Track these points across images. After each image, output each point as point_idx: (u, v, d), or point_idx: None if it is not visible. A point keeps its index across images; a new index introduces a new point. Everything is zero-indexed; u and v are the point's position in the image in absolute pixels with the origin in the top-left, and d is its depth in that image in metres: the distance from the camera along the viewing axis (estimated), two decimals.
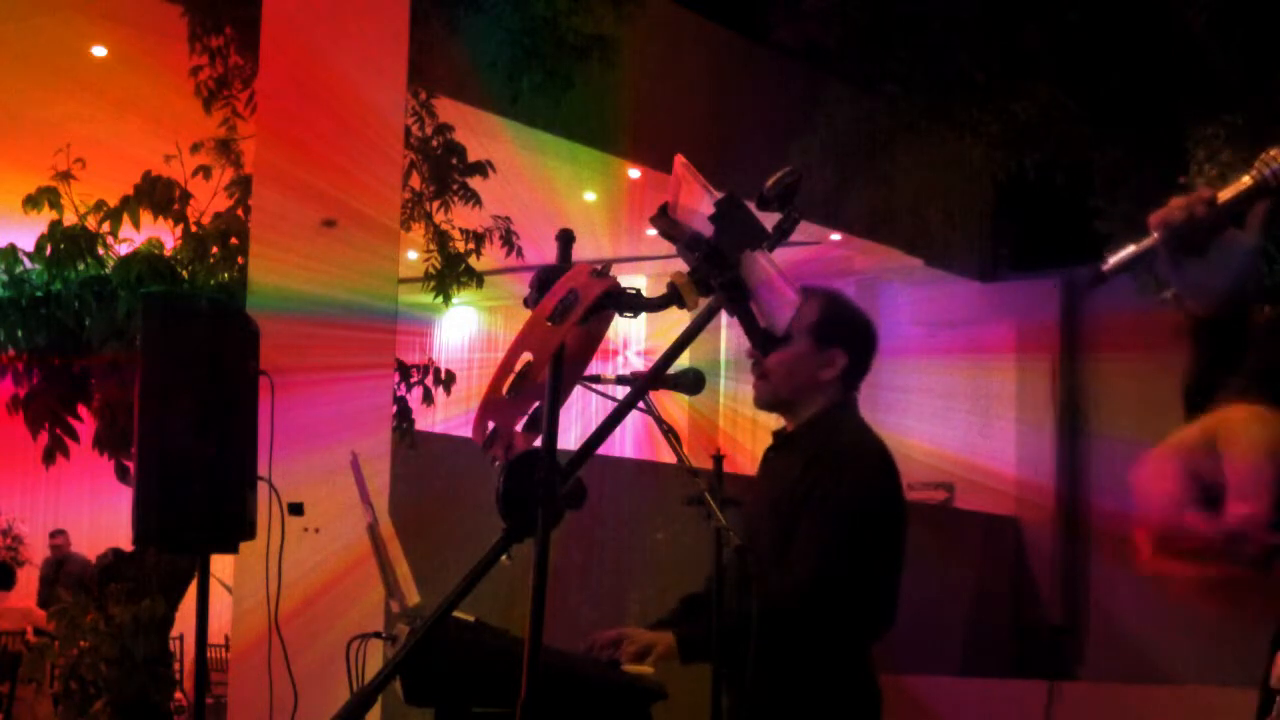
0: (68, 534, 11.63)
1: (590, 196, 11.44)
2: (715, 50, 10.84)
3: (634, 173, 10.57)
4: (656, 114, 9.72)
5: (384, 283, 5.18)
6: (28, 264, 5.77)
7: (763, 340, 1.65)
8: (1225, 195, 1.58)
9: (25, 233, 5.86)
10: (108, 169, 5.99)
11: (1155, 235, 1.60)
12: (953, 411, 13.06)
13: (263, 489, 3.67)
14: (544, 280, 1.62)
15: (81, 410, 5.74)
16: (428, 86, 6.71)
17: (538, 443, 1.63)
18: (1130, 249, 1.61)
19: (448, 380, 6.57)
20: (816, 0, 9.68)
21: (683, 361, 1.91)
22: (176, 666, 7.19)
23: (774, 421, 3.22)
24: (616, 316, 1.68)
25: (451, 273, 6.78)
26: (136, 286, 5.49)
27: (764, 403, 3.16)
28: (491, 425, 1.63)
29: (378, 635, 3.20)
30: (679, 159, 1.69)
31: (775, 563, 2.96)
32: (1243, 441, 0.83)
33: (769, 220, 1.67)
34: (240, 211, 5.92)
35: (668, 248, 1.71)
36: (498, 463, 1.63)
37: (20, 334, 5.67)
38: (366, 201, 5.06)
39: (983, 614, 12.43)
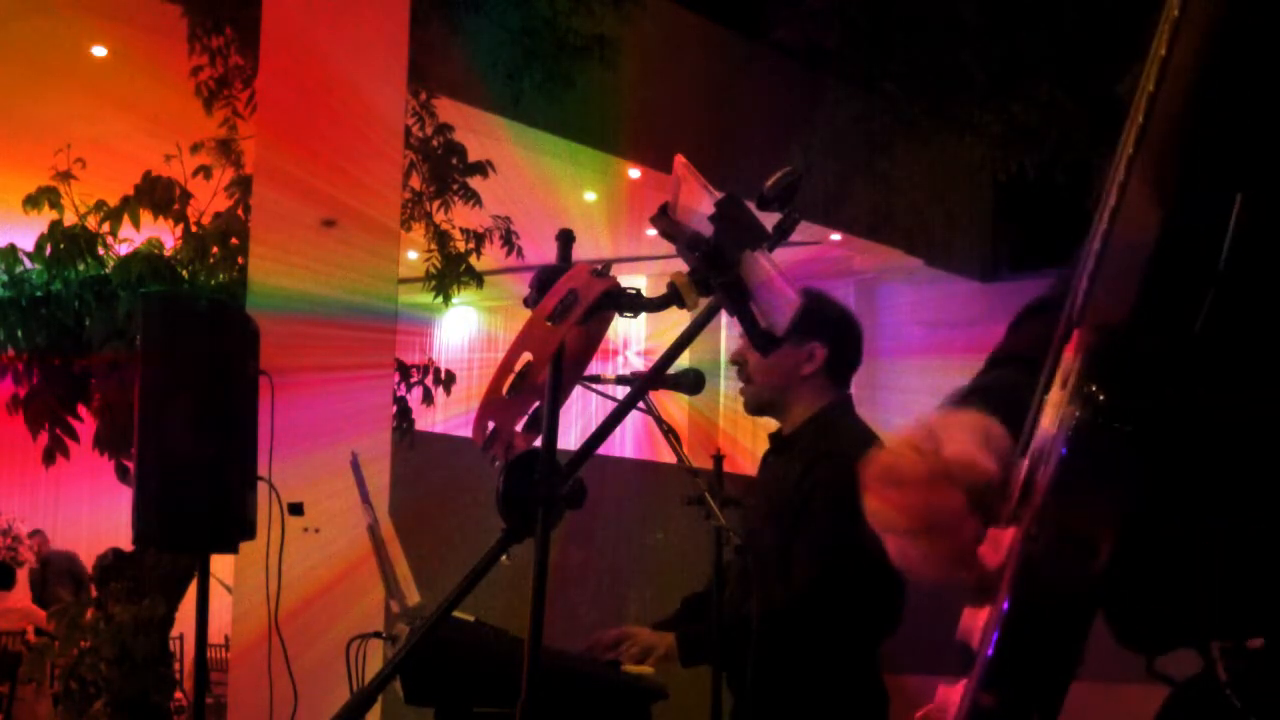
0: (44, 533, 11.66)
1: (590, 196, 11.44)
2: (715, 50, 10.85)
3: (634, 173, 10.58)
4: (656, 114, 9.72)
5: (384, 283, 5.18)
6: (28, 264, 5.77)
7: (763, 340, 1.65)
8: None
9: (25, 233, 5.86)
10: (108, 169, 5.99)
11: None
12: None
13: (263, 489, 3.67)
14: (544, 280, 1.62)
15: (81, 410, 5.74)
16: (428, 86, 6.71)
17: (538, 443, 1.63)
18: None
19: (448, 380, 6.57)
20: (816, 0, 9.68)
21: (683, 361, 1.91)
22: (176, 666, 7.19)
23: (774, 423, 3.21)
24: (616, 316, 1.68)
25: (451, 273, 6.78)
26: (136, 286, 5.49)
27: (752, 407, 3.15)
28: (491, 425, 1.63)
29: (378, 635, 3.21)
30: (679, 159, 1.69)
31: (778, 568, 2.95)
32: (956, 425, 0.92)
33: (769, 220, 1.67)
34: (240, 211, 5.92)
35: (668, 248, 1.71)
36: (498, 463, 1.63)
37: (20, 334, 5.66)
38: (366, 201, 5.06)
39: None
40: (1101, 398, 0.80)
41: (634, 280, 2.31)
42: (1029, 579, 0.82)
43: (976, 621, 0.85)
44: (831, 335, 3.09)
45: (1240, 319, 0.83)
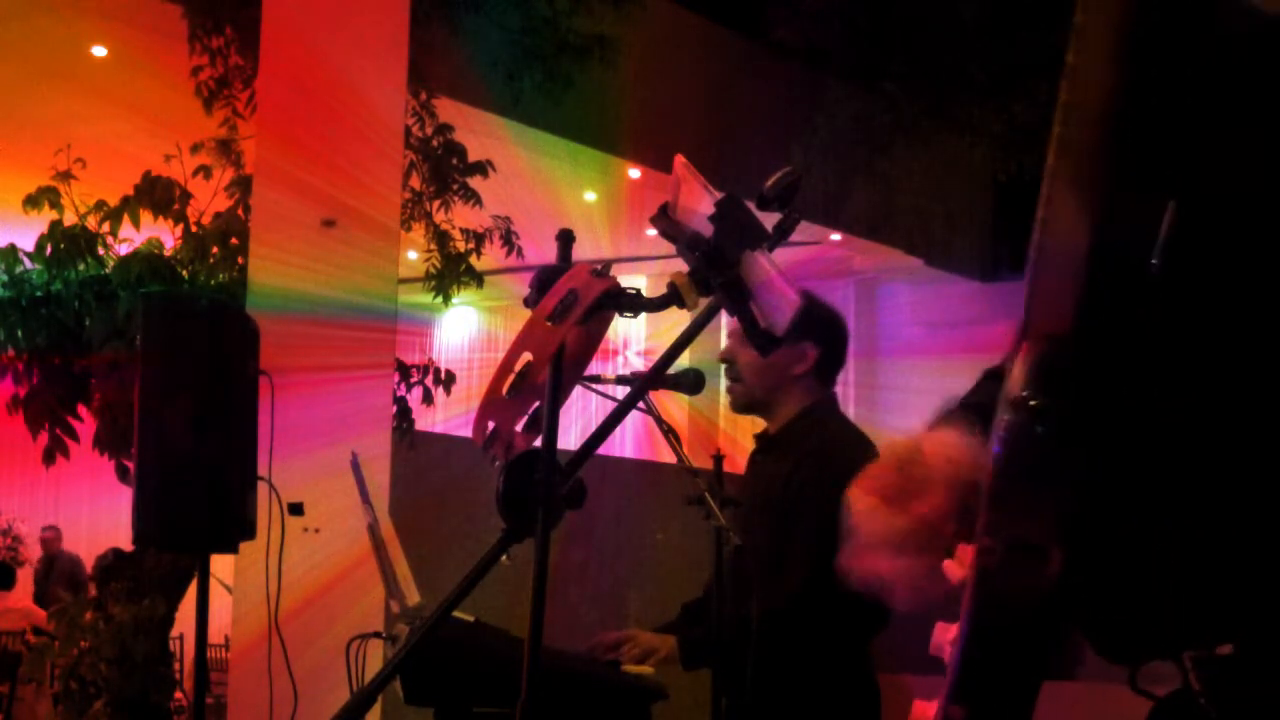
0: (59, 529, 11.65)
1: (590, 196, 11.45)
2: (715, 50, 10.85)
3: (634, 173, 10.58)
4: (656, 114, 9.73)
5: (384, 283, 5.18)
6: (28, 264, 5.77)
7: (762, 340, 1.65)
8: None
9: (25, 233, 5.86)
10: (108, 169, 5.99)
11: None
12: None
13: (263, 489, 3.67)
14: (544, 280, 1.62)
15: (81, 410, 5.73)
16: (428, 86, 6.71)
17: (538, 443, 1.63)
18: None
19: (448, 380, 6.57)
20: (816, 0, 9.68)
21: (683, 361, 1.91)
22: (176, 666, 7.19)
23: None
24: (616, 316, 1.68)
25: (451, 273, 6.78)
26: (136, 286, 5.49)
27: (740, 405, 3.15)
28: (491, 425, 1.63)
29: (378, 635, 3.21)
30: (679, 159, 1.69)
31: (771, 568, 2.95)
32: (939, 455, 0.91)
33: (769, 220, 1.67)
34: (240, 211, 5.92)
35: (668, 248, 1.70)
36: (498, 463, 1.63)
37: (20, 334, 5.66)
38: (366, 201, 5.06)
39: None
40: (1032, 402, 0.80)
41: (634, 280, 2.31)
42: (985, 590, 0.82)
43: (946, 636, 0.86)
44: (823, 336, 3.10)
45: (1179, 322, 0.83)
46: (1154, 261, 0.79)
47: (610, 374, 3.08)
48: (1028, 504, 0.80)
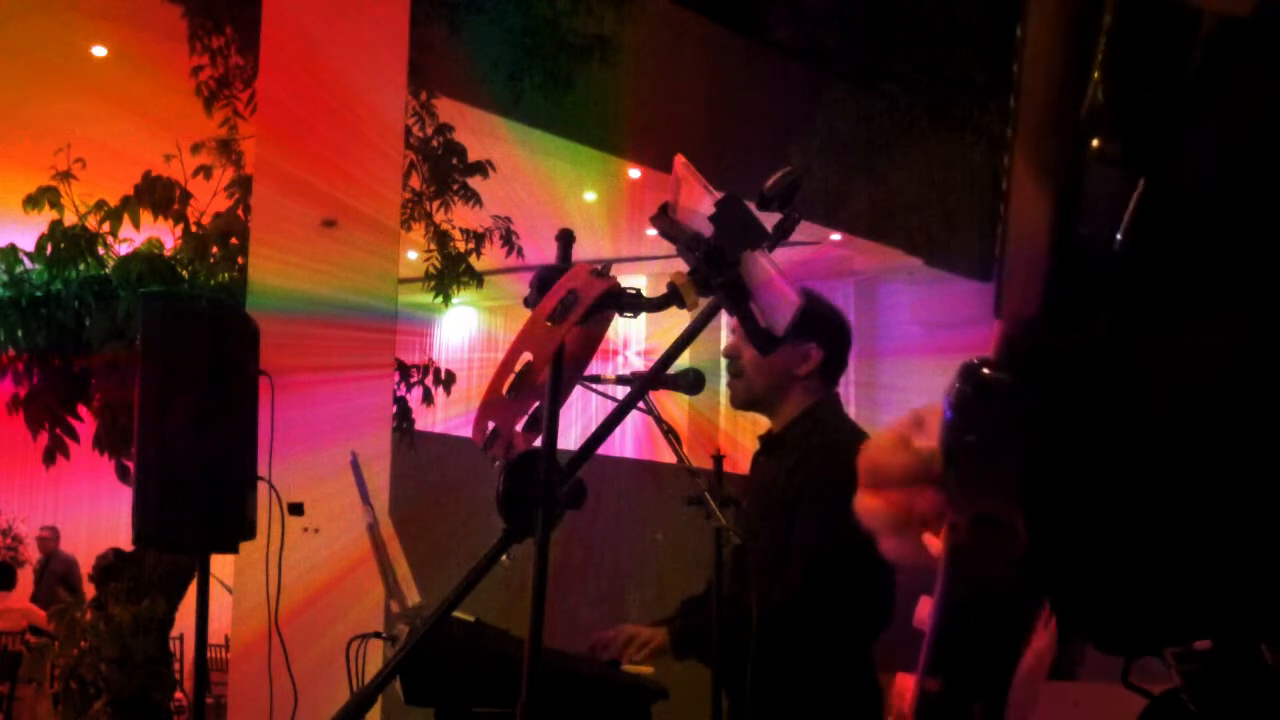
0: (56, 530, 11.66)
1: (590, 196, 11.45)
2: (715, 50, 10.85)
3: (634, 173, 10.58)
4: (656, 114, 9.73)
5: (384, 283, 5.18)
6: (28, 264, 5.77)
7: (763, 340, 1.65)
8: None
9: (25, 233, 5.86)
10: (108, 169, 5.99)
11: None
12: None
13: (263, 489, 3.67)
14: (544, 280, 1.63)
15: (81, 410, 5.74)
16: (428, 86, 6.71)
17: (538, 443, 1.63)
18: None
19: (448, 380, 6.58)
20: (816, 0, 9.68)
21: (683, 361, 1.91)
22: (176, 666, 7.19)
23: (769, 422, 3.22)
24: (616, 316, 1.68)
25: (451, 273, 6.78)
26: (136, 286, 5.50)
27: (740, 402, 3.15)
28: (491, 425, 1.63)
29: (378, 635, 3.21)
30: (679, 159, 1.69)
31: (772, 567, 2.95)
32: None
33: (769, 220, 1.67)
34: (240, 211, 5.92)
35: (668, 248, 1.71)
36: (498, 463, 1.63)
37: (20, 334, 5.67)
38: (366, 201, 5.06)
39: None
40: (984, 370, 0.80)
41: (634, 280, 2.31)
42: (954, 565, 0.83)
43: (927, 610, 0.87)
44: (827, 337, 3.09)
45: (1142, 303, 0.82)
46: (1119, 239, 0.78)
47: (610, 374, 3.07)
48: (986, 477, 0.80)
